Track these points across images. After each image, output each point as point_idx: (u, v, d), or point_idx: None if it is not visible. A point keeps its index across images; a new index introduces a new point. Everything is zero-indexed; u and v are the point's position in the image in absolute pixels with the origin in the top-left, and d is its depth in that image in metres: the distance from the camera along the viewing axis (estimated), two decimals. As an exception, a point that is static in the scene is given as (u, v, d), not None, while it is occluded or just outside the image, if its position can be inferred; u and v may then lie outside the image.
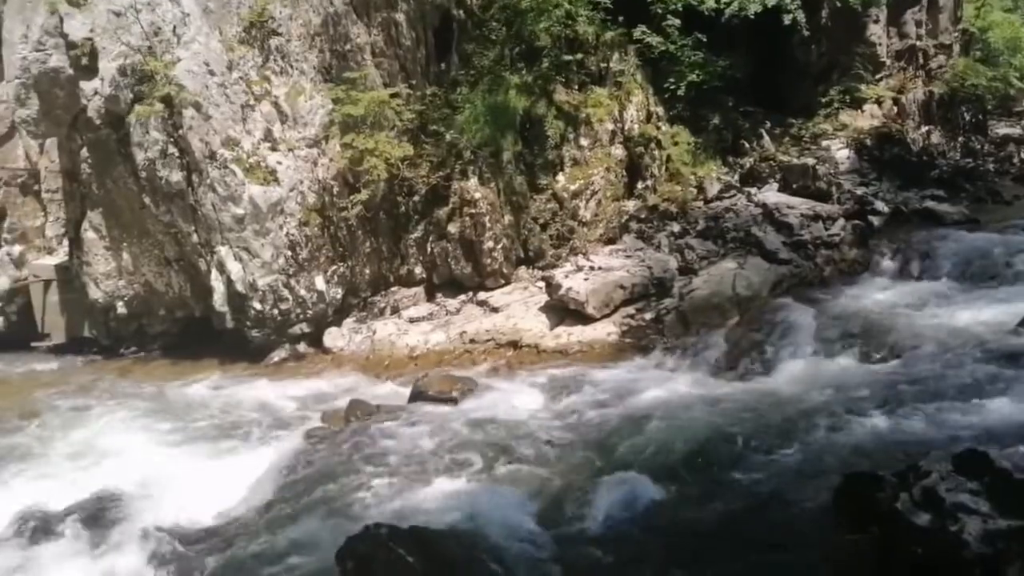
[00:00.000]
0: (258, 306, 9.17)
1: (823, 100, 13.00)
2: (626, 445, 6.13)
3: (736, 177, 11.94)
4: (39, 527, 5.57)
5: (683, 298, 8.97)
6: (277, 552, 5.06)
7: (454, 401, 7.26)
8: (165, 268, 9.69)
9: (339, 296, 9.83)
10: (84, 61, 8.66)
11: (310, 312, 9.53)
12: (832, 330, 7.78)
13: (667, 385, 7.28)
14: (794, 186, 11.55)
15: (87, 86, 8.77)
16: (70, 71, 8.77)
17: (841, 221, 10.37)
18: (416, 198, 10.29)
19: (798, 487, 5.13)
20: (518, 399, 7.30)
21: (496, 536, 5.01)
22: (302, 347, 9.59)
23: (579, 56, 11.07)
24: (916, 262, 9.56)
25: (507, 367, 8.43)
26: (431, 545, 4.23)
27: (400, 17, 10.32)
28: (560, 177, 10.77)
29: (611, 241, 10.79)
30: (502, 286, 10.24)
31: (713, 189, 11.47)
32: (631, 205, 11.15)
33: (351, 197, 9.60)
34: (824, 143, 12.55)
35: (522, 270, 10.53)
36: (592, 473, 5.77)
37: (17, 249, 10.94)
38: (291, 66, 9.35)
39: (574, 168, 10.85)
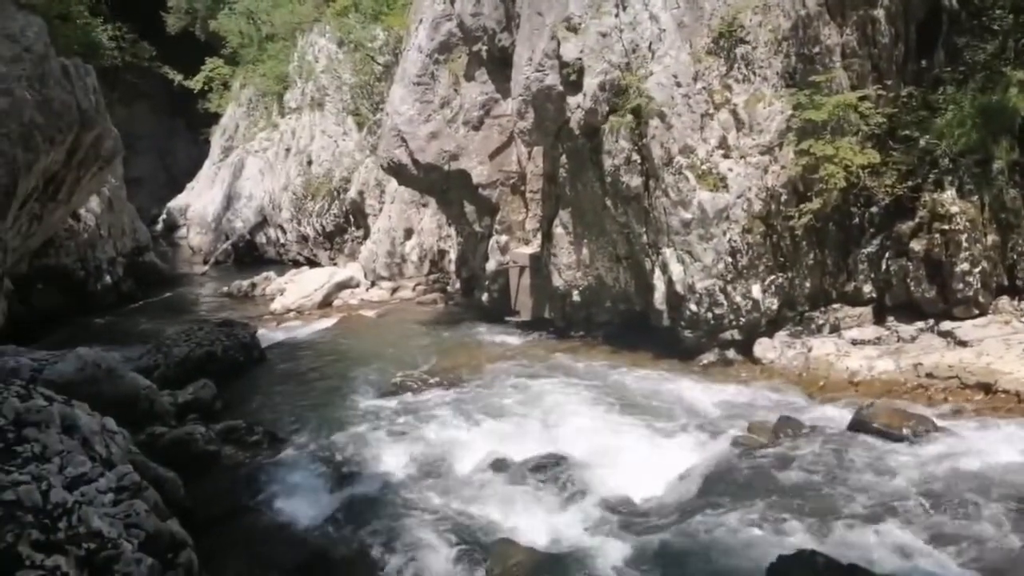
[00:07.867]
0: (694, 308, 9.46)
1: None
2: None
3: None
4: (506, 472, 6.58)
5: None
6: (702, 548, 5.17)
7: (903, 439, 6.44)
8: (615, 264, 10.66)
9: (774, 307, 9.56)
10: (572, 79, 9.93)
11: (743, 320, 9.47)
12: None
13: None
14: None
15: (572, 100, 10.06)
16: (560, 88, 10.13)
17: None
18: (874, 209, 9.41)
19: None
20: (989, 454, 6.10)
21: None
22: (731, 353, 9.59)
23: (1122, 41, 8.75)
24: None
25: (974, 413, 7.14)
26: (870, 589, 3.86)
27: (879, 13, 9.48)
28: (1073, 192, 8.69)
29: None
30: (975, 316, 8.72)
31: None
32: None
33: (800, 206, 9.21)
34: None
35: (1004, 300, 8.82)
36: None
37: (504, 239, 13.20)
38: (754, 73, 9.35)
39: (1096, 181, 8.63)
